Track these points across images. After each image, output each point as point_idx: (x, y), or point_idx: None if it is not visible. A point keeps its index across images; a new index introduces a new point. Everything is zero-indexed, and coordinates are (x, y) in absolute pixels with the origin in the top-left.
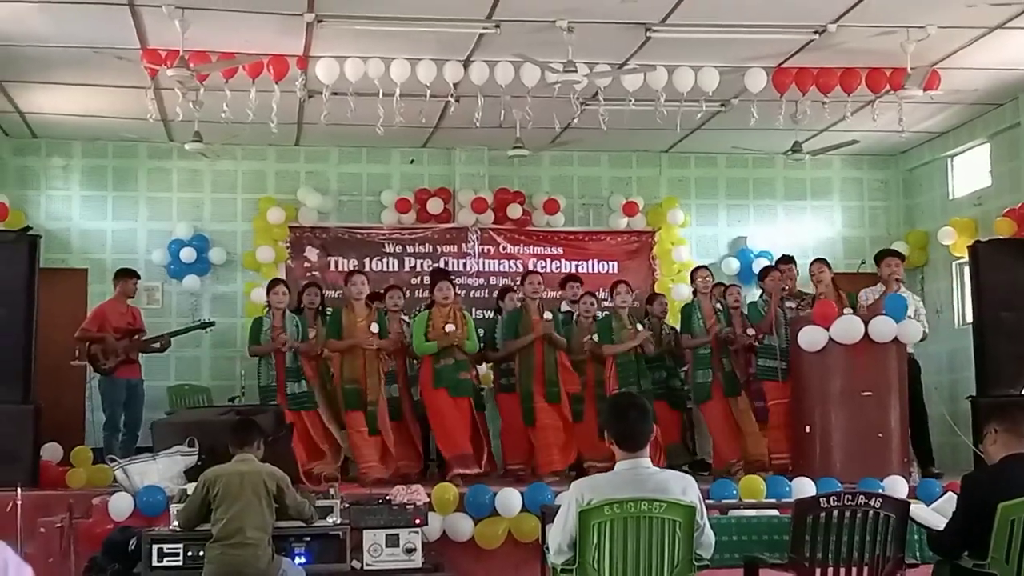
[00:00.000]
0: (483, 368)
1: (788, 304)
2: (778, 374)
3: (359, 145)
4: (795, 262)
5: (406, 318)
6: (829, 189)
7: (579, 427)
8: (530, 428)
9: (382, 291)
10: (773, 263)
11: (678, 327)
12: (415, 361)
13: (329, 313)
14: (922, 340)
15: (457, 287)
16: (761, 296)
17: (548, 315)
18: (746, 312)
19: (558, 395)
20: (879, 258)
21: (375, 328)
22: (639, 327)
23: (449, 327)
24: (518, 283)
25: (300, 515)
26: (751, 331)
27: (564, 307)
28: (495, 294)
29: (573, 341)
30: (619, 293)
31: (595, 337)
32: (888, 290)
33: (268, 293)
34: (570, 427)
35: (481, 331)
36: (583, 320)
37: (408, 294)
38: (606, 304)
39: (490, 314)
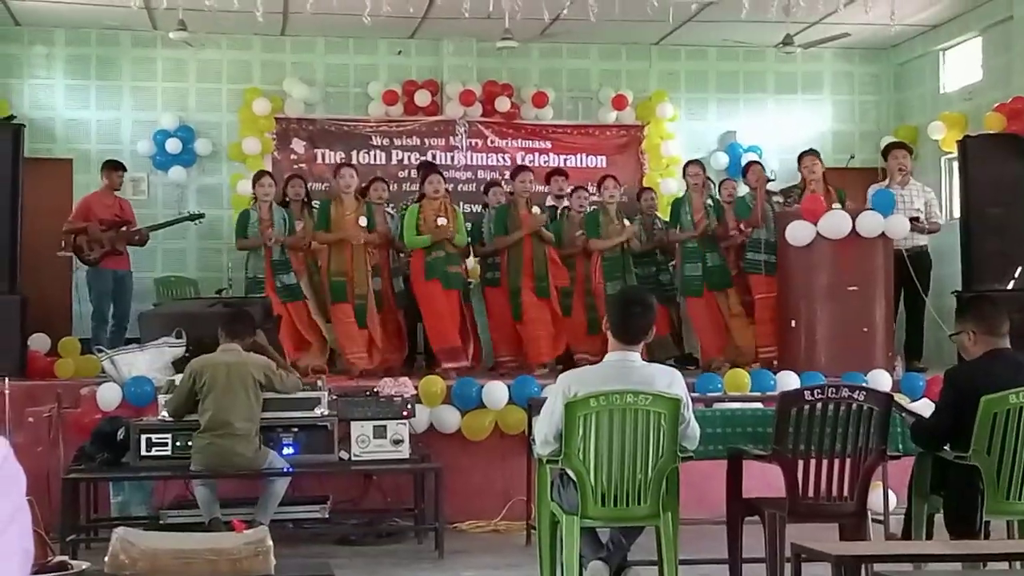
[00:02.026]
0: (470, 262)
1: (775, 198)
2: (764, 267)
3: (346, 36)
4: (819, 155)
5: (390, 210)
6: (820, 83)
7: (567, 321)
8: (518, 322)
9: (366, 184)
10: (759, 158)
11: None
12: (401, 255)
13: (317, 206)
14: (933, 232)
15: (445, 180)
16: (748, 191)
17: (536, 209)
18: (735, 207)
19: (547, 289)
20: (887, 151)
21: (363, 222)
22: (627, 222)
23: (441, 220)
24: (508, 178)
25: (293, 391)
26: (742, 225)
27: (549, 201)
28: (482, 188)
29: (564, 235)
30: (607, 188)
31: (582, 232)
32: (893, 183)
33: (254, 185)
34: (559, 320)
35: (469, 225)
36: (574, 215)
37: (395, 187)
38: (594, 199)
39: (478, 208)
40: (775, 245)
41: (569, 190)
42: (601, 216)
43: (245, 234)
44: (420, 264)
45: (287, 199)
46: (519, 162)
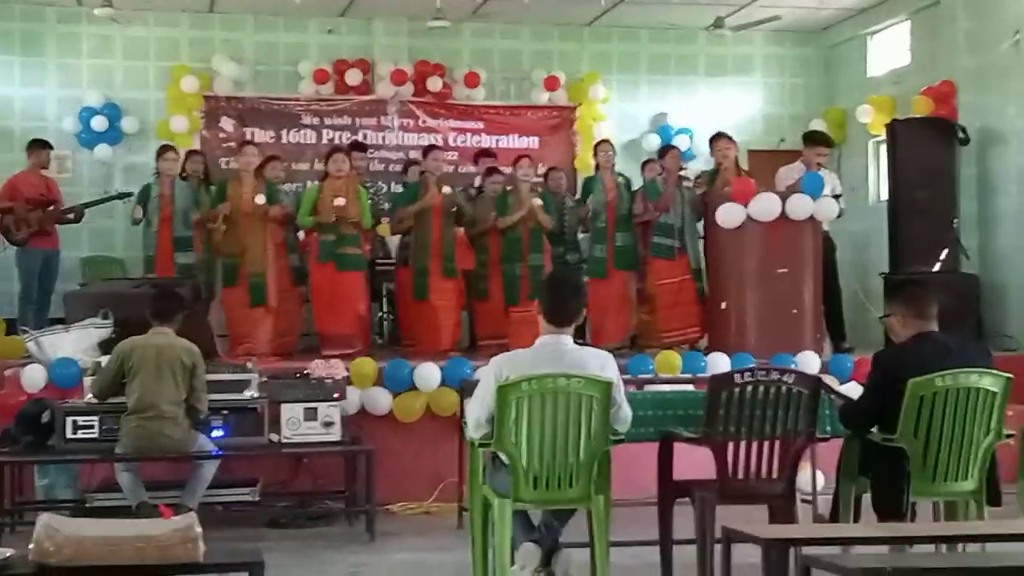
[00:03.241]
0: (393, 242)
1: (686, 183)
2: (672, 252)
3: (276, 13)
4: (731, 138)
5: (286, 188)
6: (750, 65)
7: (484, 305)
8: (422, 303)
9: (261, 162)
10: (692, 140)
11: None
12: (299, 234)
13: (215, 184)
14: (838, 217)
15: (376, 160)
16: (659, 174)
17: (448, 189)
18: (644, 189)
19: (454, 270)
20: (809, 141)
21: (260, 199)
22: (536, 201)
23: (338, 201)
24: (422, 156)
25: (197, 402)
26: (649, 207)
27: (478, 182)
28: (402, 167)
29: (477, 214)
30: (520, 167)
31: (493, 213)
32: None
33: (157, 159)
34: (461, 304)
35: (388, 205)
36: (487, 195)
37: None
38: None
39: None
40: (683, 231)
41: (484, 171)
42: (511, 196)
43: (145, 208)
44: (315, 246)
45: (185, 175)
46: (451, 142)
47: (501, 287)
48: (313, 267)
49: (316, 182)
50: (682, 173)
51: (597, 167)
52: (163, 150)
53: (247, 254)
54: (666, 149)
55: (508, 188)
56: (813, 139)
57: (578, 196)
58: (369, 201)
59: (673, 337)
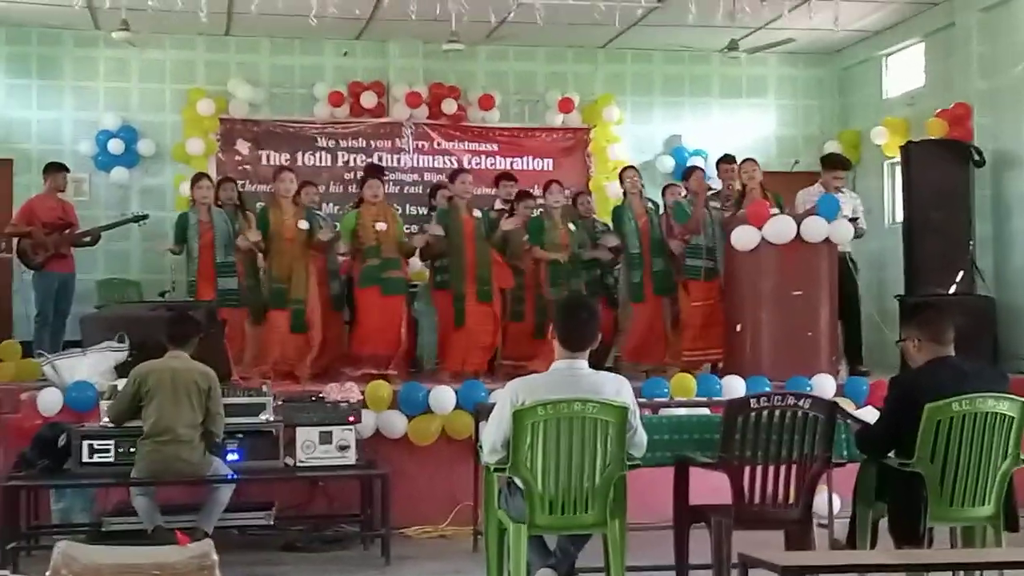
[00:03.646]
0: (416, 265)
1: (713, 204)
2: (701, 273)
3: (291, 36)
4: (734, 161)
5: (321, 213)
6: (764, 88)
7: (516, 327)
8: (460, 328)
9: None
10: (703, 164)
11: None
12: (339, 257)
13: (258, 210)
14: (859, 237)
15: (391, 183)
16: (687, 196)
17: (477, 212)
18: (672, 212)
19: (490, 293)
20: (826, 164)
21: (304, 225)
22: (571, 227)
23: (380, 225)
24: (448, 181)
25: (213, 425)
26: (679, 231)
27: (498, 204)
28: (428, 191)
29: (512, 241)
30: (552, 192)
31: (526, 238)
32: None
33: (192, 187)
34: (498, 327)
35: (414, 228)
36: (521, 220)
37: (340, 189)
38: (540, 202)
39: (424, 211)
40: (714, 251)
41: (514, 195)
42: (546, 221)
43: (184, 237)
44: (357, 271)
45: (220, 202)
46: (466, 165)
47: (534, 310)
48: (358, 292)
49: (350, 208)
50: (709, 193)
51: (625, 194)
52: (197, 178)
53: (291, 279)
54: (690, 170)
55: (540, 213)
56: (831, 162)
57: (609, 225)
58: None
59: (695, 357)
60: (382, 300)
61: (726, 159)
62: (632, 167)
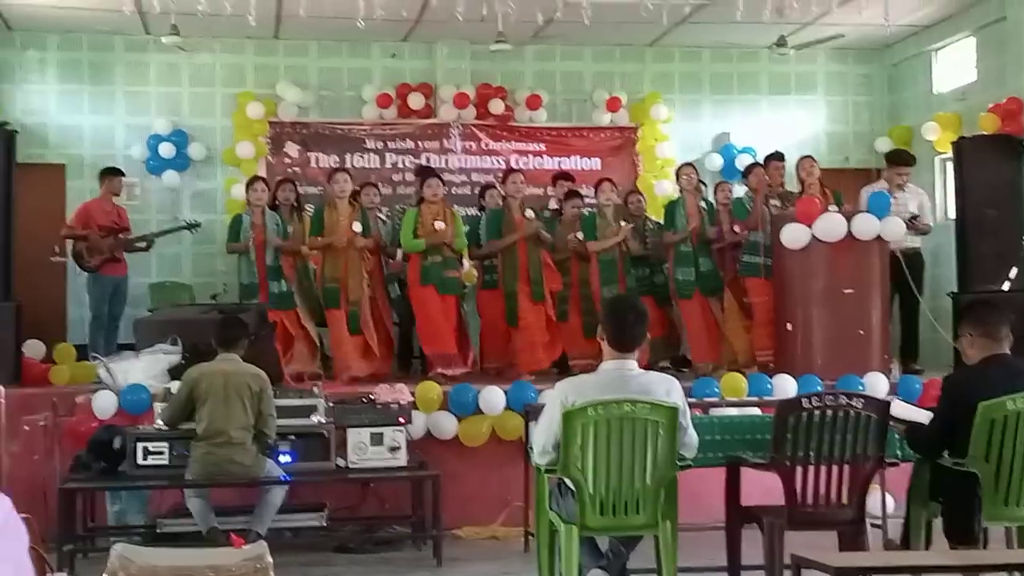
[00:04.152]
0: (466, 265)
1: (773, 202)
2: (761, 271)
3: (339, 39)
4: (783, 159)
5: (382, 215)
6: (813, 84)
7: (563, 327)
8: (513, 328)
9: (358, 188)
10: (756, 159)
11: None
12: (391, 260)
13: (312, 211)
14: (924, 234)
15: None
16: (746, 192)
17: (530, 213)
18: (732, 208)
19: (542, 294)
20: (890, 161)
21: (358, 227)
22: (623, 223)
23: (439, 224)
24: (500, 180)
25: (265, 427)
26: (737, 228)
27: (553, 204)
28: (477, 191)
29: (557, 239)
30: (603, 191)
31: (579, 235)
32: (893, 193)
33: (247, 190)
34: (553, 326)
35: (466, 228)
36: (567, 218)
37: (389, 190)
38: (590, 201)
39: (472, 211)
40: (770, 248)
41: (562, 195)
42: (598, 219)
43: (237, 238)
44: (416, 269)
45: (277, 203)
46: (513, 165)
47: (579, 310)
48: (416, 290)
49: (412, 206)
50: (769, 192)
51: (681, 191)
52: (252, 181)
53: (345, 281)
54: (751, 167)
55: (593, 211)
56: (894, 159)
57: (661, 221)
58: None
59: (767, 356)
60: (440, 299)
61: (775, 157)
62: (690, 164)
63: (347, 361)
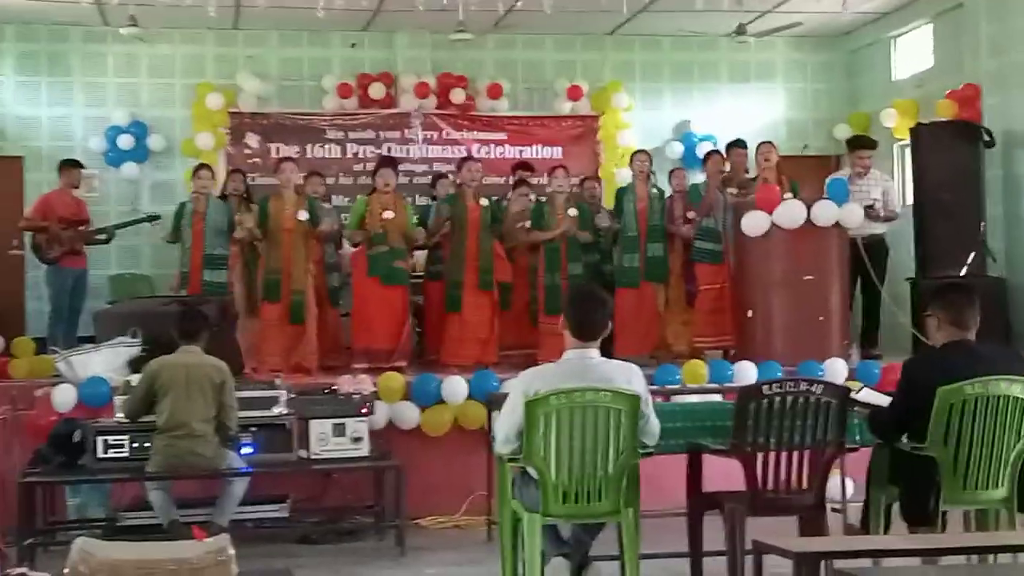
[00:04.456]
0: (420, 257)
1: (730, 189)
2: (713, 257)
3: (299, 28)
4: (745, 146)
5: (328, 205)
6: (773, 72)
7: (506, 315)
8: (453, 315)
9: (302, 178)
10: (716, 147)
11: None
12: (339, 250)
13: (259, 201)
14: (890, 220)
15: (400, 174)
16: (705, 180)
17: (484, 201)
18: (687, 195)
19: (490, 283)
20: (851, 145)
21: (303, 215)
22: (571, 212)
23: (387, 214)
24: (455, 169)
25: (227, 419)
26: (691, 213)
27: (511, 194)
28: (431, 181)
29: (505, 226)
30: (555, 178)
31: (526, 224)
32: (853, 176)
33: (192, 177)
34: (496, 317)
35: (416, 218)
36: (514, 208)
37: (350, 180)
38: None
39: (431, 201)
40: (721, 235)
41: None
42: (546, 207)
43: (178, 226)
44: (363, 259)
45: (226, 194)
46: (475, 154)
47: (526, 298)
48: (359, 282)
49: (362, 196)
50: (724, 178)
51: (633, 177)
52: (197, 169)
53: (288, 271)
54: (708, 156)
55: (542, 199)
56: (854, 143)
57: (611, 207)
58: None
59: (706, 344)
60: (382, 290)
61: (737, 144)
62: (644, 151)
63: (269, 355)
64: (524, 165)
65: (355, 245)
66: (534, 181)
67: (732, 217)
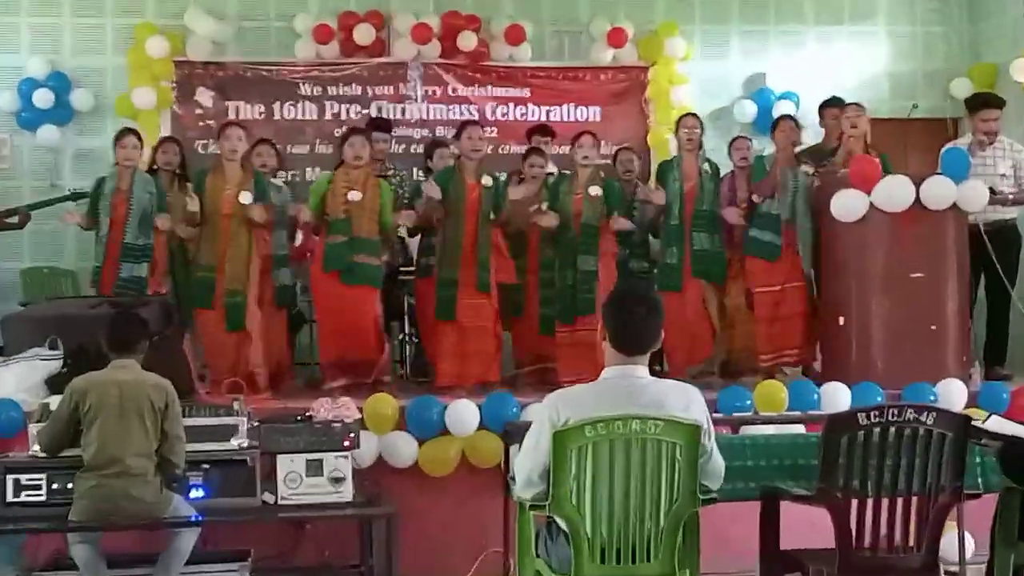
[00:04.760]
0: (414, 245)
1: (803, 167)
2: (770, 252)
3: None
4: (845, 105)
5: (278, 182)
6: (872, 11)
7: (518, 323)
8: (447, 324)
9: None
10: (797, 107)
11: None
12: (290, 241)
13: (194, 177)
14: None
15: (393, 139)
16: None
17: (488, 179)
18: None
19: (488, 283)
20: (972, 105)
21: (246, 197)
22: (591, 190)
23: (353, 195)
24: (455, 135)
25: (171, 453)
26: (755, 196)
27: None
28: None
29: (516, 218)
30: (581, 146)
31: (543, 206)
32: (980, 149)
33: (114, 146)
34: (498, 326)
35: (407, 199)
36: (530, 182)
37: (330, 149)
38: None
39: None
40: (792, 224)
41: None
42: (564, 184)
43: (95, 208)
44: (320, 250)
45: (155, 167)
46: (489, 116)
47: (539, 301)
48: (317, 278)
49: (327, 171)
50: (798, 151)
51: (679, 148)
52: (121, 135)
53: (226, 266)
54: (779, 121)
55: (564, 173)
56: (977, 103)
57: (653, 185)
58: (393, 195)
59: (768, 361)
60: (343, 290)
61: (833, 103)
62: (692, 115)
63: (223, 369)
64: (541, 128)
65: (315, 233)
66: (556, 150)
67: (807, 199)
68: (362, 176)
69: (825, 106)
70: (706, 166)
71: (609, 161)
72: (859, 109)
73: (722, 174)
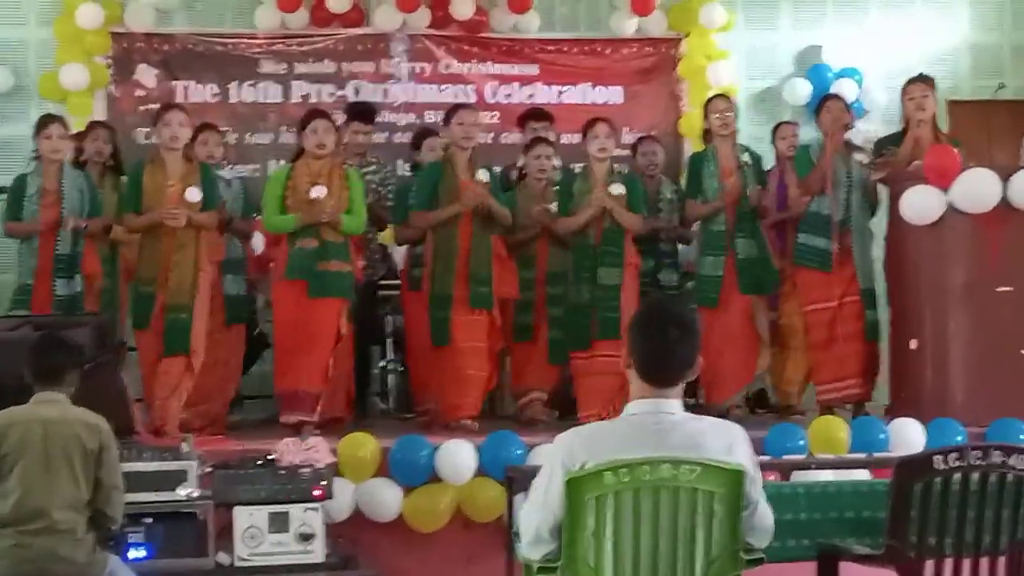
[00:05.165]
0: (399, 253)
1: (858, 156)
2: (825, 260)
3: None
4: (931, 82)
5: (225, 173)
6: None
7: (524, 348)
8: (442, 349)
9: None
10: (861, 86)
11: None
12: (241, 242)
13: (128, 171)
14: None
15: (375, 128)
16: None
17: (483, 174)
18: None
19: (488, 298)
20: None
21: (194, 195)
22: (613, 189)
23: (316, 191)
24: (443, 122)
25: (106, 505)
26: (795, 191)
27: (521, 160)
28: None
29: (519, 213)
30: (596, 137)
31: (552, 206)
32: None
33: (37, 136)
34: (496, 347)
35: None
36: (533, 181)
37: (296, 137)
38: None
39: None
40: (846, 225)
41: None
42: (578, 181)
43: (18, 213)
44: (282, 257)
45: (83, 159)
46: (489, 96)
47: (547, 321)
48: (278, 289)
49: (285, 163)
50: (849, 136)
51: (709, 136)
52: (45, 123)
53: (168, 278)
54: (825, 100)
55: (575, 169)
56: None
57: (683, 182)
58: (365, 190)
59: (826, 394)
60: (309, 304)
61: (921, 79)
62: (723, 96)
63: (162, 404)
64: (535, 113)
65: (275, 243)
66: (564, 140)
67: (864, 195)
68: (326, 168)
69: (908, 85)
70: (745, 156)
71: (629, 152)
72: (926, 87)
73: (763, 166)
